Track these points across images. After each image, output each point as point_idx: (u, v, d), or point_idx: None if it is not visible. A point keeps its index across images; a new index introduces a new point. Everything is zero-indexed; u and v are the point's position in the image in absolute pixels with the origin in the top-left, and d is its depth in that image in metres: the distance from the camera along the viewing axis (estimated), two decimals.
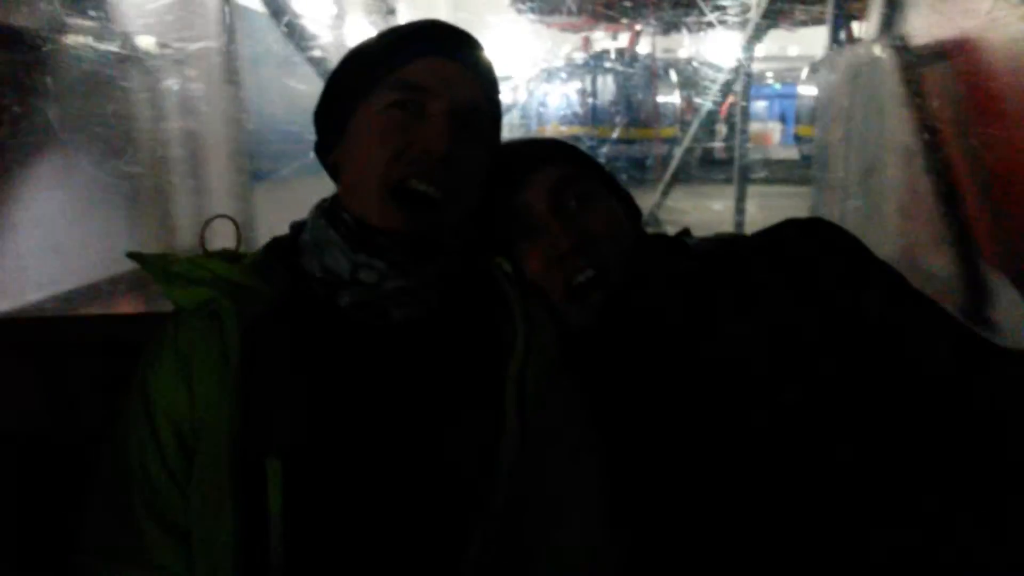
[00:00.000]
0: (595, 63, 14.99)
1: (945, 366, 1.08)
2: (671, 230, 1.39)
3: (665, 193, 8.66)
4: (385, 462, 1.01)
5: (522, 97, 14.56)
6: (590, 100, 15.05)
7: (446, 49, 1.09)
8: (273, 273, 1.10)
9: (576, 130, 14.45)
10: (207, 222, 1.18)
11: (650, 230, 1.29)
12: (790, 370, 1.09)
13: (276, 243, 1.19)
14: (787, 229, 1.21)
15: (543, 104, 14.93)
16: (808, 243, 1.17)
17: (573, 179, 1.21)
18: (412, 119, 1.06)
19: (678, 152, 9.07)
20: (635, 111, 14.67)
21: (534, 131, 14.15)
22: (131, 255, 1.10)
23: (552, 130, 14.37)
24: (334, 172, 1.17)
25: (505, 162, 1.19)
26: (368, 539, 1.01)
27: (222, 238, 1.20)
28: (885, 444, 1.04)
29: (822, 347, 1.09)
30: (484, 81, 1.13)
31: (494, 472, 1.02)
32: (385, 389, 1.04)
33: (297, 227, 1.19)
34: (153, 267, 1.08)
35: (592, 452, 1.13)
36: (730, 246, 1.23)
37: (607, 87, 15.16)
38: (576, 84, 15.19)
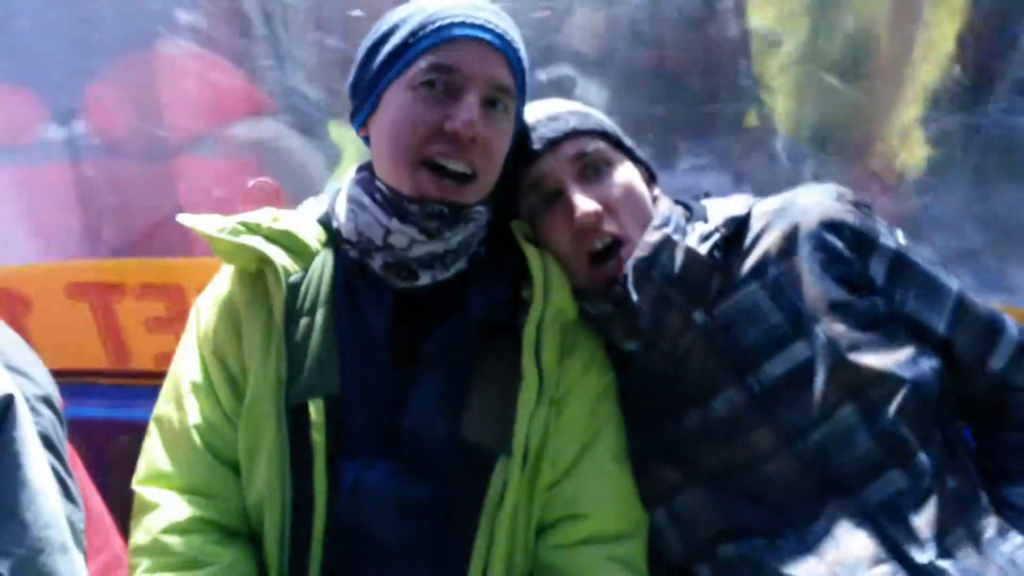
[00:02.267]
0: None
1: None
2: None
3: None
4: (412, 408, 1.11)
5: None
6: None
7: (474, 31, 1.10)
8: (312, 233, 1.20)
9: None
10: (251, 185, 1.30)
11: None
12: (800, 327, 1.16)
13: (313, 205, 1.27)
14: (800, 196, 1.24)
15: None
16: (819, 211, 1.20)
17: (594, 149, 1.23)
18: (445, 98, 1.09)
19: None
20: None
21: None
22: (183, 218, 1.15)
23: None
24: (367, 141, 1.20)
25: (527, 134, 1.23)
26: (398, 478, 1.10)
27: None
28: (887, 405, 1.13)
29: (829, 306, 1.16)
30: (512, 59, 1.14)
31: (514, 418, 1.09)
32: (412, 343, 1.13)
33: (335, 191, 1.25)
34: (203, 228, 1.14)
35: (611, 397, 1.22)
36: (745, 213, 1.25)
37: None
38: None
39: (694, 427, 1.21)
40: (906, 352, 1.18)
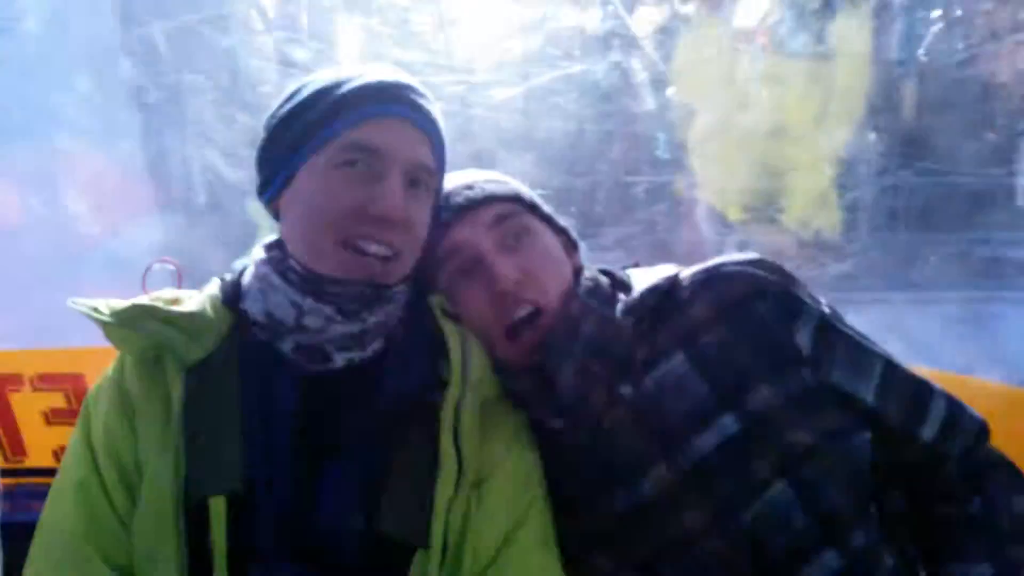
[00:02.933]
0: None
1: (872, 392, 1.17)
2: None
3: None
4: (326, 501, 1.02)
5: None
6: None
7: (397, 109, 1.07)
8: (215, 316, 1.11)
9: None
10: (148, 267, 1.20)
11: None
12: (727, 399, 1.13)
13: (217, 285, 1.18)
14: (724, 265, 1.21)
15: None
16: (744, 280, 1.18)
17: (511, 216, 1.19)
18: (366, 179, 1.05)
19: None
20: None
21: None
22: (73, 302, 1.07)
23: None
24: (275, 215, 1.15)
25: (442, 203, 1.19)
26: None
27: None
28: (815, 471, 1.12)
29: (756, 377, 1.13)
30: (433, 137, 1.12)
31: (432, 507, 1.03)
32: (325, 430, 1.05)
33: (240, 269, 1.18)
34: (95, 313, 1.06)
35: (536, 479, 1.15)
36: (670, 283, 1.22)
37: None
38: None
39: (624, 508, 1.16)
40: (836, 424, 1.15)
